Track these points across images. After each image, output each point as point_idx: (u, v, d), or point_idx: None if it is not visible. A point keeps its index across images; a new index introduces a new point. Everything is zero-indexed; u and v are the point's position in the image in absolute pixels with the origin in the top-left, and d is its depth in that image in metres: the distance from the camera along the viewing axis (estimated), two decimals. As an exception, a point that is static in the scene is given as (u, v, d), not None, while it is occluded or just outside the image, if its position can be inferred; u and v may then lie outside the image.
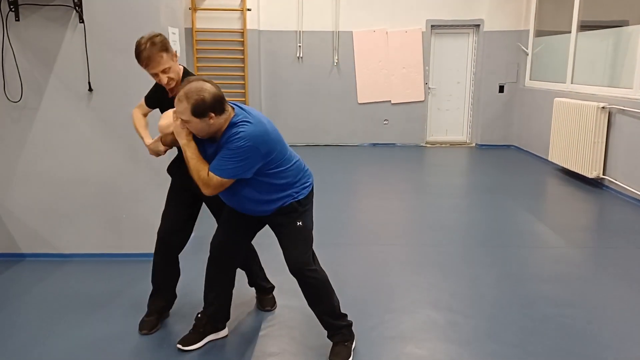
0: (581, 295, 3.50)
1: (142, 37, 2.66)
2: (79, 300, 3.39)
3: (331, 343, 2.74)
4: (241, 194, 2.54)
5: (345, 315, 2.78)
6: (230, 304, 2.92)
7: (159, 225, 2.98)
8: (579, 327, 3.07)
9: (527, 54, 8.82)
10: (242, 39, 8.99)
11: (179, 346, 2.82)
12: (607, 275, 3.83)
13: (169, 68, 2.71)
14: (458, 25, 9.24)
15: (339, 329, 2.72)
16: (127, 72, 3.74)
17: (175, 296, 3.17)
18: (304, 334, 2.99)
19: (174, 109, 2.40)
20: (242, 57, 9.01)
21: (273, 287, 3.34)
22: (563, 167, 7.06)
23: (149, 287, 3.25)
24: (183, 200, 2.96)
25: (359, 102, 9.37)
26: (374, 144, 9.45)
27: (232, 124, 2.39)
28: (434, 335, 2.98)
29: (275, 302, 3.32)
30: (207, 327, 2.87)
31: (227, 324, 2.99)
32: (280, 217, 2.62)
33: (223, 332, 2.95)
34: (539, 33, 8.61)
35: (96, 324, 3.08)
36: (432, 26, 9.18)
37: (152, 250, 3.98)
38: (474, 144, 9.59)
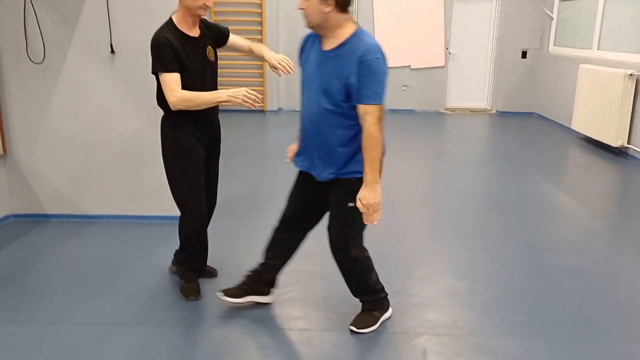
0: (602, 265, 3.48)
1: None
2: (104, 260, 3.45)
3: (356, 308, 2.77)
4: (327, 132, 2.40)
5: (381, 290, 2.73)
6: (279, 272, 2.89)
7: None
8: (598, 297, 3.06)
9: (552, 19, 8.58)
10: (260, 2, 8.84)
11: (219, 294, 2.86)
12: (629, 246, 3.79)
13: None
14: (482, -12, 8.99)
15: (368, 300, 2.73)
16: (149, 34, 3.68)
17: None
18: (327, 298, 3.02)
19: None
20: (260, 20, 8.88)
21: None
22: (586, 136, 6.94)
23: (171, 250, 3.30)
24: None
25: (378, 66, 9.23)
26: (393, 110, 9.35)
27: (358, 35, 2.28)
28: (455, 303, 3.00)
29: None
30: (252, 287, 2.87)
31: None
32: (337, 190, 2.48)
33: (267, 298, 2.92)
34: (565, -3, 8.36)
35: (121, 285, 3.13)
36: (455, -11, 8.95)
37: (174, 213, 3.98)
38: (494, 111, 9.45)
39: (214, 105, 2.70)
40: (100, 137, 3.91)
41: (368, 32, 2.36)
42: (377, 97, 2.26)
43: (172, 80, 2.61)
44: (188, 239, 2.95)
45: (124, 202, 4.04)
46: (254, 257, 3.53)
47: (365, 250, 2.64)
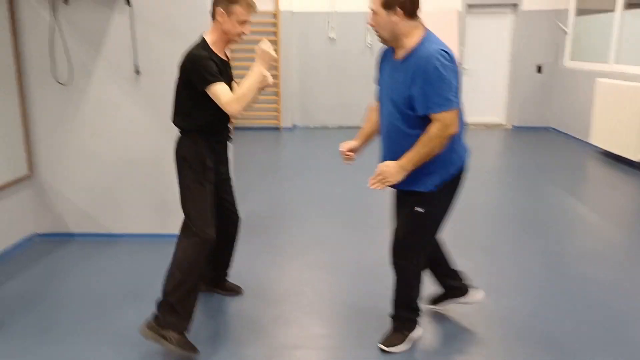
0: (633, 280, 3.43)
1: None
2: (128, 279, 3.46)
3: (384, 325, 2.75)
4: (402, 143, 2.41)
5: (416, 310, 2.71)
6: (450, 275, 2.92)
7: None
8: (633, 312, 3.01)
9: (567, 34, 8.58)
10: (274, 21, 8.94)
11: (425, 302, 2.95)
12: (658, 260, 3.75)
13: None
14: (495, 5, 9.03)
15: (401, 316, 2.70)
16: (173, 54, 3.72)
17: None
18: (354, 316, 2.99)
19: None
20: (275, 39, 8.97)
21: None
22: (605, 150, 6.89)
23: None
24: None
25: (392, 83, 9.27)
26: (407, 126, 9.37)
27: (424, 42, 2.32)
28: (484, 318, 2.96)
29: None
30: (446, 293, 2.94)
31: (263, 303, 3.02)
32: (410, 196, 2.48)
33: (467, 297, 2.94)
34: (580, 12, 8.37)
35: (146, 304, 3.13)
36: (468, 5, 8.99)
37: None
38: (510, 126, 9.43)
39: (261, 83, 2.63)
40: (124, 157, 3.95)
41: (435, 36, 2.38)
42: (445, 103, 2.26)
43: (224, 89, 2.55)
44: (191, 270, 2.64)
45: (148, 221, 4.06)
46: (277, 273, 3.54)
47: (420, 264, 2.63)
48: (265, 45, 2.59)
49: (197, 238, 2.65)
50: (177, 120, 2.77)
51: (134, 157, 3.94)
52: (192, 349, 2.59)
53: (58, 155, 3.97)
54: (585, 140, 7.61)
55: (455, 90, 2.28)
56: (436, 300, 3.02)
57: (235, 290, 3.26)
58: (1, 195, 3.71)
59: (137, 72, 3.77)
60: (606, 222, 4.53)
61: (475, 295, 2.95)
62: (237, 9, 2.59)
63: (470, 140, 8.92)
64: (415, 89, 2.28)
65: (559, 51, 8.85)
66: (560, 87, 8.79)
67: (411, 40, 2.34)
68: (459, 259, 3.76)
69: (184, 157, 2.74)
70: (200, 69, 2.55)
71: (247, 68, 2.65)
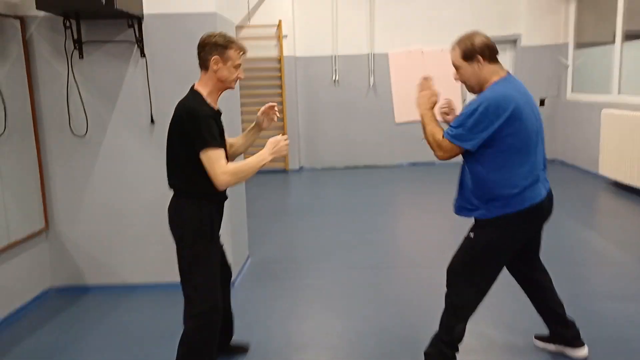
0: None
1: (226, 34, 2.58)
2: (147, 331, 3.40)
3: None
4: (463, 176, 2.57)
5: (455, 348, 2.64)
6: (560, 322, 2.88)
7: None
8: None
9: (568, 67, 8.70)
10: (279, 66, 9.11)
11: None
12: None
13: None
14: (494, 41, 9.18)
15: (438, 351, 2.64)
16: (187, 103, 3.79)
17: None
18: (379, 358, 2.94)
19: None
20: (280, 83, 9.12)
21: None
22: (615, 180, 6.87)
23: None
24: None
25: (396, 122, 9.36)
26: (413, 163, 9.40)
27: (489, 87, 2.43)
28: (520, 356, 2.89)
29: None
30: (553, 337, 2.90)
31: (288, 348, 2.96)
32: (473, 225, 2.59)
33: (576, 352, 2.85)
34: (579, 45, 8.51)
35: (166, 356, 3.07)
36: (468, 43, 9.16)
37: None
38: (516, 160, 9.45)
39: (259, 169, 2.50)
40: (139, 205, 3.95)
41: (507, 83, 2.45)
42: (451, 132, 2.45)
43: (221, 156, 2.40)
44: (204, 349, 2.52)
45: (165, 270, 4.00)
46: (299, 317, 3.48)
47: (470, 300, 2.59)
48: (283, 139, 2.57)
49: (205, 315, 2.50)
50: (176, 182, 2.53)
51: (150, 206, 3.93)
52: None
53: (74, 207, 3.98)
54: (593, 171, 7.60)
55: (471, 134, 2.37)
56: (541, 338, 2.97)
57: (241, 348, 3.04)
58: (18, 250, 3.69)
59: (152, 121, 3.82)
60: (628, 254, 4.47)
61: (581, 352, 2.83)
62: (232, 53, 2.53)
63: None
64: None
65: (561, 84, 8.96)
66: (565, 119, 8.86)
67: (487, 85, 2.46)
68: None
69: (189, 225, 2.50)
70: (202, 128, 2.37)
71: (254, 110, 2.64)
